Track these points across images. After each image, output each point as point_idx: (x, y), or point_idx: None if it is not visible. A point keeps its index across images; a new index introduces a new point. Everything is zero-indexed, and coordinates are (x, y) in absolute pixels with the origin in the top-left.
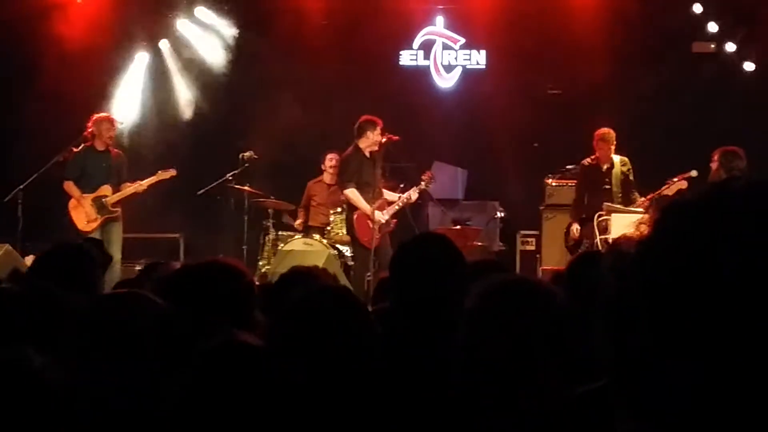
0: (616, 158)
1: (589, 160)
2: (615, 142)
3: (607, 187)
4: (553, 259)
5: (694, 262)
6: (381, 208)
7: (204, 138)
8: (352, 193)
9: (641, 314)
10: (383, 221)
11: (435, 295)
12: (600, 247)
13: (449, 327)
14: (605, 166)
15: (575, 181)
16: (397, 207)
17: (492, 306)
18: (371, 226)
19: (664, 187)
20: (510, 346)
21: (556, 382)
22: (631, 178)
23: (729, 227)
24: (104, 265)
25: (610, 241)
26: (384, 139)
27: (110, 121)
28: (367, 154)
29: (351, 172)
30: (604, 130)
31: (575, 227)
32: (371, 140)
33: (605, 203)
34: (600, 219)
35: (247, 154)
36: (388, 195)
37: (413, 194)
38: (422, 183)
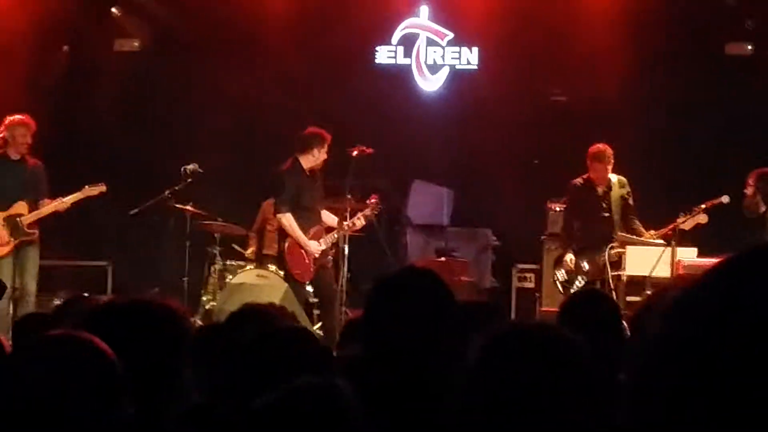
0: (614, 178)
1: (580, 180)
2: (612, 161)
3: (606, 214)
4: (557, 298)
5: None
6: (317, 236)
7: (139, 147)
8: (287, 220)
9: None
10: (318, 253)
11: (418, 343)
12: (611, 285)
13: (435, 382)
14: (600, 189)
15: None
16: (335, 237)
17: (504, 361)
18: (305, 258)
19: (686, 216)
20: (526, 411)
21: None
22: (631, 201)
23: None
24: None
25: (624, 278)
26: (355, 152)
27: (26, 125)
28: (308, 173)
29: (288, 194)
30: (599, 147)
31: (569, 258)
32: (316, 158)
33: (618, 233)
34: (612, 252)
35: (190, 167)
36: (327, 218)
37: (357, 222)
38: (367, 210)
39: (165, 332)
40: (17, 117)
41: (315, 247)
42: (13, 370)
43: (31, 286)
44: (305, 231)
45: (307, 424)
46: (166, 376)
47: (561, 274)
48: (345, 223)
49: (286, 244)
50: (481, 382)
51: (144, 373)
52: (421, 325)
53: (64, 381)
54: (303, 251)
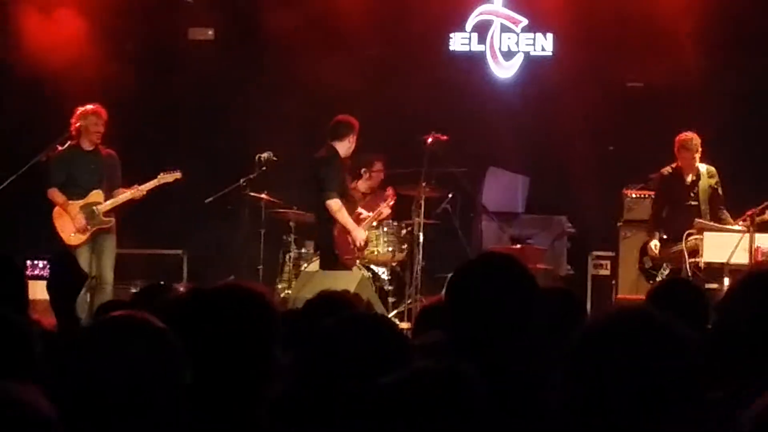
0: (703, 168)
1: (669, 168)
2: (700, 149)
3: (694, 203)
4: (633, 286)
5: None
6: (360, 223)
7: (214, 135)
8: (336, 204)
9: None
10: (363, 240)
11: (502, 329)
12: (689, 273)
13: (521, 369)
14: (689, 178)
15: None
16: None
17: (612, 349)
18: (351, 244)
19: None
20: (631, 401)
21: None
22: (720, 192)
23: None
24: (78, 284)
25: (702, 265)
26: (429, 139)
27: (97, 115)
28: (343, 160)
29: (335, 180)
30: (686, 135)
31: (654, 244)
32: (350, 146)
33: (697, 220)
34: (690, 239)
35: (264, 155)
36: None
37: (384, 210)
38: (388, 202)
39: (255, 317)
40: (89, 107)
41: (362, 234)
42: (81, 351)
43: (109, 275)
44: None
45: (434, 407)
46: (259, 360)
47: (647, 262)
48: (371, 214)
49: (335, 231)
50: (581, 369)
51: (236, 359)
52: (505, 312)
53: (128, 360)
54: (349, 237)
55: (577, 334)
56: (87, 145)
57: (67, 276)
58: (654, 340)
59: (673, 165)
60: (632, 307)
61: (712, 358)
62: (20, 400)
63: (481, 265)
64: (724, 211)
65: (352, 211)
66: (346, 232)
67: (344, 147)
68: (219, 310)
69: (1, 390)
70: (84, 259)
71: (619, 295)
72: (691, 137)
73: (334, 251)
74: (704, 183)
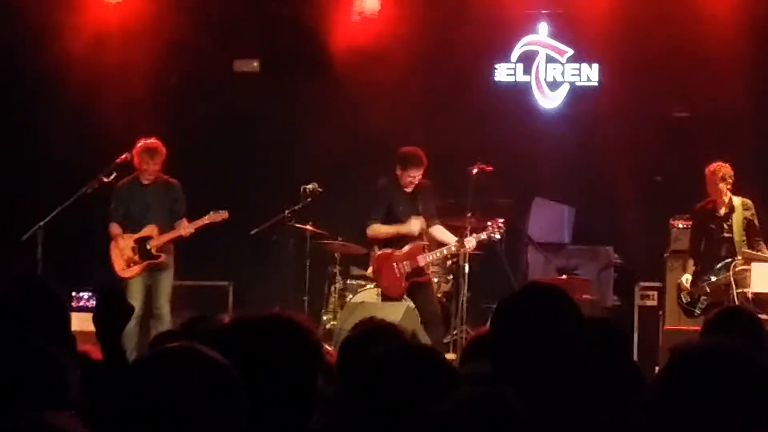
0: (737, 201)
1: (703, 202)
2: (729, 180)
3: (728, 234)
4: (680, 316)
5: None
6: (415, 253)
7: (258, 165)
8: (371, 230)
9: None
10: (406, 269)
11: (546, 359)
12: (737, 302)
13: (569, 400)
14: (722, 210)
15: None
16: (443, 253)
17: (691, 382)
18: (396, 272)
19: None
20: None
21: None
22: (757, 223)
23: None
24: (124, 317)
25: (750, 296)
26: (475, 170)
27: (150, 152)
28: (404, 188)
29: (378, 209)
30: (715, 165)
31: (685, 278)
32: (403, 177)
33: (744, 250)
34: (737, 269)
35: (309, 186)
36: (443, 236)
37: (468, 244)
38: (485, 233)
39: (296, 346)
40: (146, 142)
41: (403, 265)
42: (131, 380)
43: (164, 307)
44: (399, 246)
45: None
46: (300, 391)
47: (684, 297)
48: (452, 244)
49: (376, 259)
50: (666, 402)
51: (278, 389)
52: (550, 343)
53: (178, 389)
54: (394, 265)
55: (664, 367)
56: (144, 179)
57: (112, 308)
58: (745, 375)
59: (707, 200)
60: (715, 341)
61: None
62: (57, 427)
63: (525, 295)
64: (761, 243)
65: (411, 239)
66: (389, 261)
67: (401, 176)
68: (260, 340)
69: (37, 417)
70: (136, 292)
71: (666, 326)
72: (720, 166)
73: (377, 280)
74: (738, 215)
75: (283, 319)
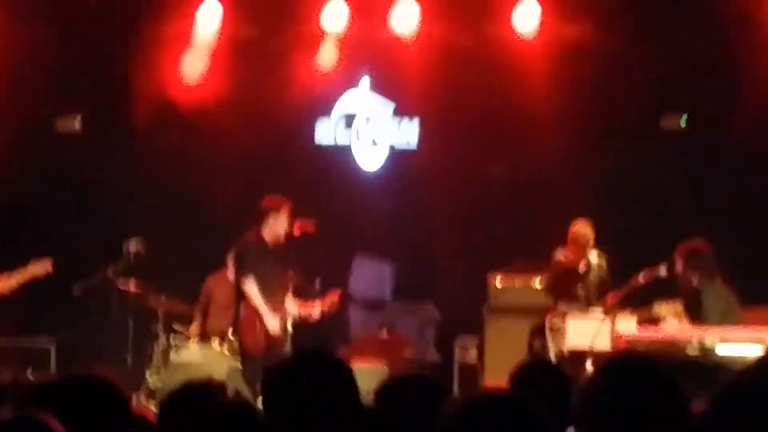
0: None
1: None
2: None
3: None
4: (500, 372)
5: None
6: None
7: (82, 226)
8: (249, 288)
9: None
10: (276, 330)
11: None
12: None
13: None
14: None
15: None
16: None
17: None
18: (257, 329)
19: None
20: None
21: None
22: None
23: None
24: None
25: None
26: (297, 228)
27: None
28: (269, 244)
29: (250, 264)
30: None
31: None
32: (273, 228)
33: (560, 302)
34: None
35: (132, 244)
36: (289, 305)
37: (315, 312)
38: (325, 307)
39: (106, 406)
40: None
41: (273, 324)
42: None
43: None
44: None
45: None
46: None
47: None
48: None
49: (242, 314)
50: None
51: None
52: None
53: None
54: (257, 322)
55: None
56: None
57: None
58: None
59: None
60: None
61: None
62: None
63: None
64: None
65: (276, 299)
66: (254, 316)
67: (267, 230)
68: (71, 400)
69: None
70: None
71: (486, 382)
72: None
73: (238, 334)
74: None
75: (92, 381)
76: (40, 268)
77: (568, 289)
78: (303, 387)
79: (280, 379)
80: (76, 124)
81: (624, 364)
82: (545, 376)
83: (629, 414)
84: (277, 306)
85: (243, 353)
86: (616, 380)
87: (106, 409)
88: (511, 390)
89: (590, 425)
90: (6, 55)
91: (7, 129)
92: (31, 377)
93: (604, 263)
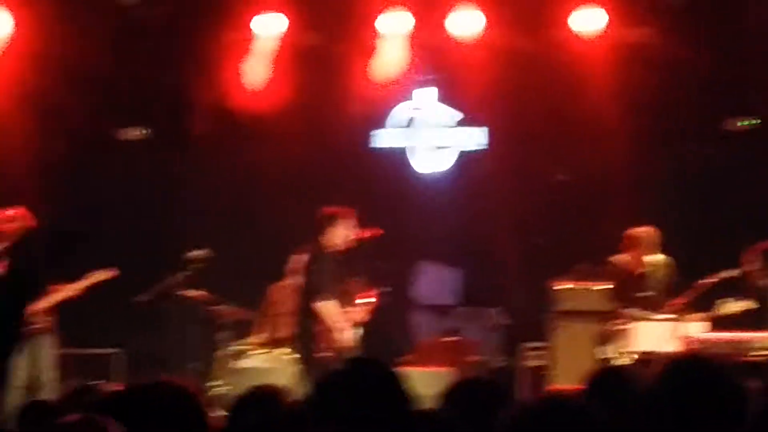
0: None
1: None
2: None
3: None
4: (566, 376)
5: None
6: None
7: (146, 234)
8: (328, 309)
9: None
10: (350, 342)
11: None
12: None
13: None
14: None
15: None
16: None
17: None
18: (331, 341)
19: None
20: None
21: None
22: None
23: None
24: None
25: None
26: (362, 235)
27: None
28: (332, 254)
29: (327, 280)
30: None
31: None
32: (334, 238)
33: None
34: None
35: (196, 252)
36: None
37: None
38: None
39: (180, 414)
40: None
41: (348, 338)
42: None
43: (45, 376)
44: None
45: None
46: None
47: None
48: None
49: (315, 328)
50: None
51: None
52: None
53: None
54: (331, 335)
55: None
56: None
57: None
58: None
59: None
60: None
61: None
62: None
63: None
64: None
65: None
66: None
67: (328, 240)
68: (148, 408)
69: None
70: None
71: (552, 386)
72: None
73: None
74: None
75: (168, 386)
76: (106, 273)
77: (633, 293)
78: (350, 394)
79: (329, 385)
80: (140, 134)
81: (687, 366)
82: (618, 382)
83: (691, 415)
84: (348, 317)
85: (311, 360)
86: (678, 382)
87: (182, 417)
88: (584, 394)
89: (653, 426)
90: (71, 66)
91: (73, 139)
92: (101, 385)
93: (670, 266)
